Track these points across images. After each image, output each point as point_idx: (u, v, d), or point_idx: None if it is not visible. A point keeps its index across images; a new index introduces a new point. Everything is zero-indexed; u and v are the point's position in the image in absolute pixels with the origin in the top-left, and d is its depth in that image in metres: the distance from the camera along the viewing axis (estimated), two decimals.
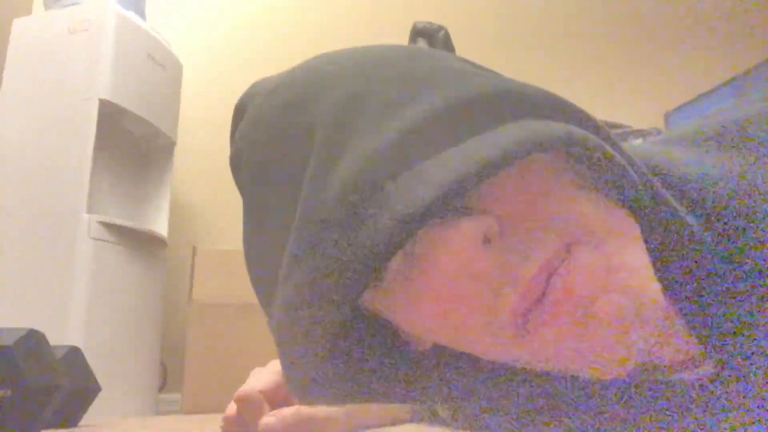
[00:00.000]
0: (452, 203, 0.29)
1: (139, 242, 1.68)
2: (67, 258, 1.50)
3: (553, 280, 0.28)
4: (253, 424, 0.52)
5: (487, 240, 0.29)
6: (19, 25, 1.73)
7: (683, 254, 0.32)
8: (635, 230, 0.30)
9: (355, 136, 0.30)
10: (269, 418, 0.51)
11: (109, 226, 1.58)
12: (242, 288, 1.82)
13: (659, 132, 2.23)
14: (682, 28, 2.73)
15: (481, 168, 0.26)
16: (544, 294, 0.28)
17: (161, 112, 1.81)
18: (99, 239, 1.55)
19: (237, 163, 0.36)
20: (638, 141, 2.14)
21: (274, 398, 0.54)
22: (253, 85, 0.37)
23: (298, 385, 0.33)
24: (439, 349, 0.34)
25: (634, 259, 0.29)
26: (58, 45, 1.67)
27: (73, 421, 0.88)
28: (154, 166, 1.88)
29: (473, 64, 0.35)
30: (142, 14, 1.85)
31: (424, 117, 0.30)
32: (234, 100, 2.33)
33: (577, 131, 0.29)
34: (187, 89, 2.17)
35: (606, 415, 0.32)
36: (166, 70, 1.86)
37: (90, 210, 1.55)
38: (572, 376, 0.33)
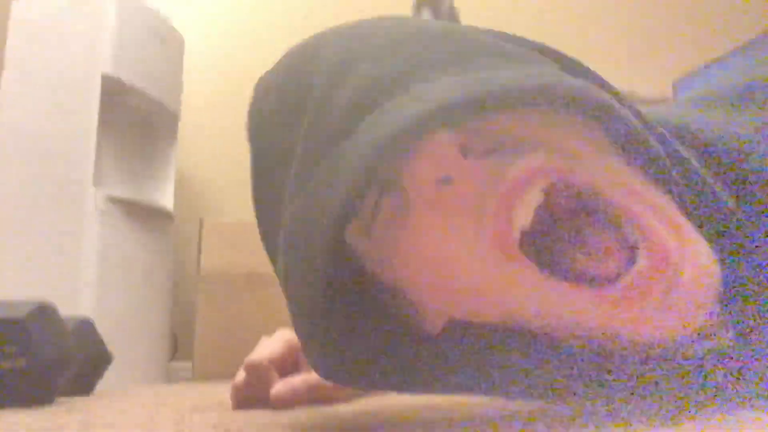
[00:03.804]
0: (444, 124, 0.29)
1: (146, 216, 1.70)
2: (75, 231, 1.52)
3: (641, 250, 0.28)
4: (262, 392, 0.53)
5: (467, 150, 0.29)
6: (19, 3, 1.72)
7: (709, 220, 0.32)
8: (671, 202, 0.30)
9: (354, 70, 0.31)
10: (279, 387, 0.52)
11: (115, 200, 1.59)
12: (249, 258, 1.85)
13: (668, 102, 2.20)
14: (691, 11, 2.68)
15: (473, 100, 0.26)
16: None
17: (164, 86, 1.81)
18: (106, 212, 1.56)
19: (249, 121, 0.37)
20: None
21: (283, 366, 0.55)
22: None
23: (308, 350, 0.32)
24: (450, 333, 0.33)
25: (691, 228, 0.29)
26: (60, 20, 1.66)
27: (87, 390, 0.90)
28: (158, 140, 1.88)
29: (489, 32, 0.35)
30: None
31: (425, 49, 0.31)
32: (236, 73, 2.32)
33: (597, 90, 0.29)
34: (190, 63, 2.16)
35: (621, 384, 0.32)
36: (168, 44, 1.85)
37: (96, 184, 1.56)
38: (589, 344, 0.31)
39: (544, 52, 0.34)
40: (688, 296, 0.28)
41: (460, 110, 0.26)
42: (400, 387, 0.34)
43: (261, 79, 0.38)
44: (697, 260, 0.28)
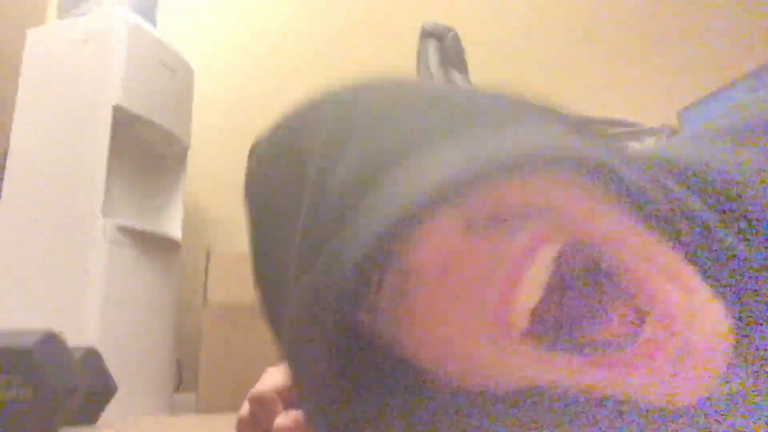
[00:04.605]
0: (444, 203, 0.29)
1: (153, 246, 1.70)
2: (83, 261, 1.53)
3: (651, 314, 0.28)
4: (267, 424, 0.53)
5: (470, 227, 0.28)
6: (33, 34, 1.76)
7: (720, 268, 0.32)
8: (678, 255, 0.30)
9: (350, 144, 0.31)
10: (283, 420, 0.51)
11: (124, 230, 1.60)
12: (255, 290, 1.83)
13: (671, 130, 2.21)
14: (696, 24, 2.71)
15: (475, 174, 0.26)
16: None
17: (174, 117, 1.83)
18: (115, 242, 1.57)
19: (246, 191, 0.37)
20: (651, 140, 2.13)
21: (288, 398, 0.55)
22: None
23: (316, 422, 0.33)
24: (456, 399, 0.33)
25: (702, 287, 0.29)
26: (72, 53, 1.70)
27: (91, 420, 0.90)
28: (167, 170, 1.90)
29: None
30: (153, 21, 1.88)
31: (423, 117, 0.31)
32: (246, 104, 2.35)
33: (598, 149, 0.29)
34: (200, 94, 2.19)
35: None
36: (178, 76, 1.88)
37: (105, 214, 1.57)
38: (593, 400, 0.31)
39: (543, 109, 0.34)
40: (700, 363, 0.27)
41: (462, 186, 0.26)
42: None
43: (254, 146, 0.37)
44: (709, 325, 0.28)
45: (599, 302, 0.29)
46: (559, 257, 0.29)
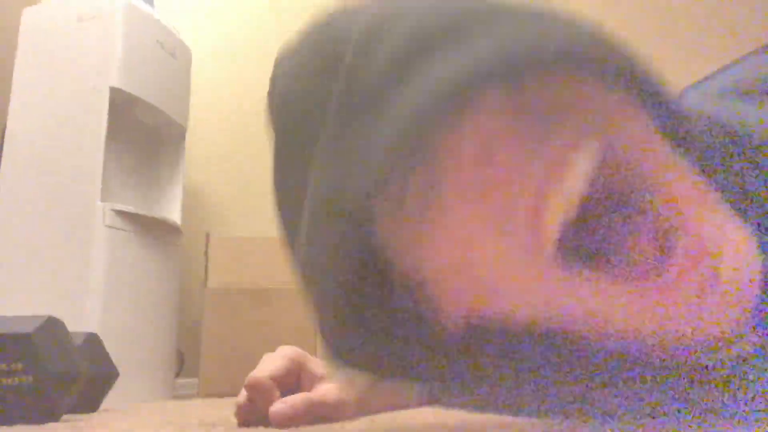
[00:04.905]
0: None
1: (153, 230, 1.69)
2: (82, 246, 1.52)
3: (680, 233, 0.26)
4: (264, 410, 0.53)
5: (512, 116, 0.27)
6: (28, 14, 1.74)
7: (740, 203, 0.30)
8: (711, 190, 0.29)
9: (389, 30, 0.28)
10: (279, 405, 0.51)
11: (123, 214, 1.59)
12: (255, 274, 1.84)
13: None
14: (701, 4, 2.68)
15: (526, 58, 0.24)
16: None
17: (172, 100, 1.81)
18: (113, 227, 1.56)
19: (270, 96, 0.35)
20: None
21: (285, 383, 0.54)
22: None
23: (324, 326, 0.31)
24: (471, 335, 0.32)
25: (733, 217, 0.28)
26: (68, 33, 1.67)
27: (93, 407, 0.89)
28: (166, 154, 1.88)
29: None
30: (150, 1, 1.85)
31: (459, 14, 0.28)
32: (244, 87, 2.33)
33: (643, 65, 0.28)
34: (197, 77, 2.17)
35: (643, 390, 0.31)
36: (176, 58, 1.86)
37: (104, 198, 1.56)
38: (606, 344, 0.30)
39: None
40: (728, 292, 0.26)
41: (511, 70, 0.25)
42: (415, 379, 0.32)
43: (281, 53, 0.35)
44: (739, 254, 0.27)
45: (631, 223, 0.28)
46: (594, 170, 0.27)
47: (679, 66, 2.58)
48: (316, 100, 0.30)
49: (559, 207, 0.26)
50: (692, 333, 0.27)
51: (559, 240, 0.27)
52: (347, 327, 0.30)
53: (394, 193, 0.28)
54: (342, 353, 0.31)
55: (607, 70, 0.28)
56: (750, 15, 2.66)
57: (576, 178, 0.27)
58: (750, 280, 0.27)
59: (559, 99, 0.27)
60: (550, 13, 0.29)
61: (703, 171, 0.30)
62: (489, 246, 0.27)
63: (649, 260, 0.27)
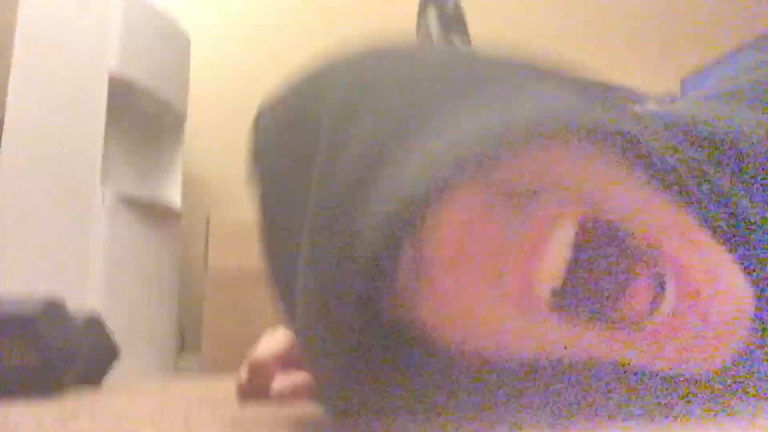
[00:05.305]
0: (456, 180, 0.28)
1: (153, 213, 1.71)
2: (83, 229, 1.53)
3: (673, 275, 0.27)
4: (265, 388, 0.53)
5: (489, 199, 0.28)
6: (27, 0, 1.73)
7: (732, 233, 0.31)
8: (693, 223, 0.29)
9: (363, 114, 0.29)
10: (280, 384, 0.52)
11: (123, 198, 1.61)
12: (255, 255, 1.84)
13: (673, 97, 2.19)
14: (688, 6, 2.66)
15: (495, 145, 0.25)
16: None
17: (171, 86, 1.82)
18: (114, 211, 1.57)
19: (252, 163, 0.36)
20: (652, 103, 2.11)
21: (285, 361, 0.55)
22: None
23: (326, 398, 0.32)
24: (471, 365, 0.33)
25: (722, 253, 0.28)
26: (67, 19, 1.67)
27: (96, 384, 0.91)
28: (165, 138, 1.89)
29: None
30: None
31: (436, 83, 0.29)
32: (243, 72, 2.33)
33: (615, 116, 0.29)
34: (196, 62, 2.17)
35: (643, 407, 0.32)
36: (175, 44, 1.86)
37: (104, 182, 1.57)
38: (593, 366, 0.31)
39: (554, 75, 0.33)
40: (722, 329, 0.27)
41: (480, 160, 0.26)
42: (417, 412, 0.33)
43: (260, 115, 0.36)
44: (731, 290, 0.28)
45: (621, 272, 0.29)
46: (580, 228, 0.28)
47: (676, 61, 2.56)
48: (298, 173, 0.31)
49: (546, 277, 0.28)
50: (688, 370, 0.28)
51: (555, 294, 0.28)
52: (351, 382, 0.31)
53: (388, 270, 0.30)
54: (345, 413, 0.32)
55: (586, 135, 0.29)
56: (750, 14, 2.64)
57: (558, 249, 0.28)
58: (742, 316, 0.28)
59: (535, 174, 0.28)
60: (529, 77, 0.30)
61: (693, 203, 0.30)
62: (482, 306, 0.28)
63: (644, 305, 0.28)
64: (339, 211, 0.29)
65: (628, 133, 0.29)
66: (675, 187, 0.30)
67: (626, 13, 2.62)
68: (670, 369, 0.28)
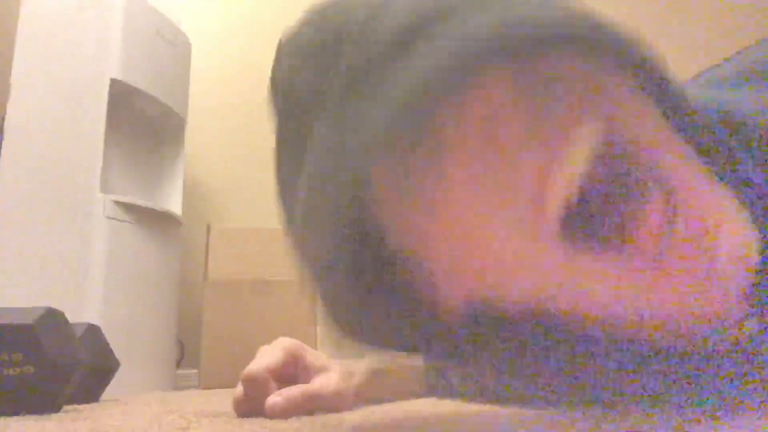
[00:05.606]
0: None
1: (153, 221, 1.70)
2: (83, 237, 1.52)
3: (677, 211, 0.26)
4: (260, 403, 0.53)
5: (516, 87, 0.26)
6: (28, 3, 1.73)
7: (739, 192, 0.30)
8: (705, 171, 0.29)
9: (392, 3, 0.28)
10: (275, 398, 0.51)
11: (123, 206, 1.60)
12: (256, 265, 1.85)
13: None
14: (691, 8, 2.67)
15: (532, 32, 0.24)
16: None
17: (172, 91, 1.81)
18: (114, 218, 1.56)
19: (273, 78, 0.34)
20: None
21: (282, 375, 0.55)
22: None
23: (327, 307, 0.30)
24: (470, 315, 0.31)
25: (734, 206, 0.28)
26: (67, 22, 1.67)
27: (94, 397, 0.90)
28: (166, 145, 1.88)
29: None
30: None
31: None
32: (244, 78, 2.33)
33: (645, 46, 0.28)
34: (197, 67, 2.17)
35: (648, 377, 0.31)
36: (175, 48, 1.86)
37: (104, 190, 1.57)
38: (610, 329, 0.29)
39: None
40: (723, 275, 0.26)
41: (514, 45, 0.24)
42: (416, 352, 0.32)
43: (284, 38, 0.35)
44: (735, 236, 0.27)
45: (633, 199, 0.28)
46: (597, 146, 0.27)
47: (680, 63, 2.57)
48: (319, 82, 0.30)
49: (562, 185, 0.26)
50: (691, 314, 0.27)
51: (562, 220, 0.27)
52: (346, 297, 0.30)
53: (395, 165, 0.28)
54: (341, 325, 0.31)
55: (610, 51, 0.28)
56: (750, 14, 2.65)
57: (578, 156, 0.26)
58: (746, 262, 0.27)
59: (561, 76, 0.27)
60: None
61: (702, 155, 0.30)
62: (490, 223, 0.27)
63: (650, 240, 0.27)
64: (360, 95, 0.27)
65: (659, 69, 0.28)
66: (691, 132, 0.30)
67: (627, 15, 2.62)
68: (679, 311, 0.27)
